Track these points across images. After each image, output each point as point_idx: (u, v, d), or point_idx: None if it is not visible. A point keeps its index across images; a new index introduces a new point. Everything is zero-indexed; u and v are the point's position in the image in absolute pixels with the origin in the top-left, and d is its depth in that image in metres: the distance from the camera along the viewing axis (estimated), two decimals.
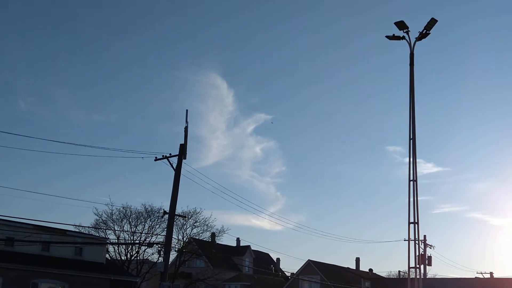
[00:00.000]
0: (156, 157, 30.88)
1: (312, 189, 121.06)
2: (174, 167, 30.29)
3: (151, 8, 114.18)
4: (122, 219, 54.81)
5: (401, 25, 23.55)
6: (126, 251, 54.18)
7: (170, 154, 30.50)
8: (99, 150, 54.43)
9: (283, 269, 78.22)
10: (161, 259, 40.70)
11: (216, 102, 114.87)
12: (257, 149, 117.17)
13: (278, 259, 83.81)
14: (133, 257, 54.11)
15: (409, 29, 23.76)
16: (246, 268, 75.29)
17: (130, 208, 54.98)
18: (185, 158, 30.37)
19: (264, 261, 77.42)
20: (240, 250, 77.27)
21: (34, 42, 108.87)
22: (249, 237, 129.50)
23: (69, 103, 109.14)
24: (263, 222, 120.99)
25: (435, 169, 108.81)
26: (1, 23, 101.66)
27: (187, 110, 30.93)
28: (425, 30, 23.46)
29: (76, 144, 32.52)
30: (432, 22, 23.04)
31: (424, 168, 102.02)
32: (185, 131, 30.54)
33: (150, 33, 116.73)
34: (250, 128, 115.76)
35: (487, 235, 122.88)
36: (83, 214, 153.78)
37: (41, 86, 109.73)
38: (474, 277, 60.56)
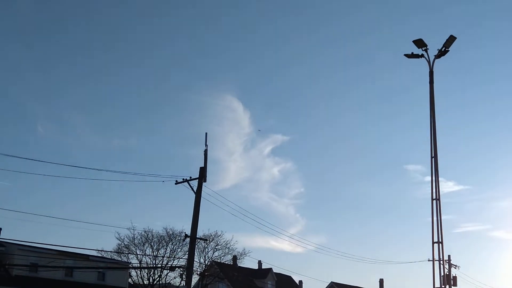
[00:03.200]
0: (176, 181, 30.95)
1: (331, 210, 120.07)
2: (195, 190, 30.32)
3: (165, 30, 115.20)
4: (144, 243, 54.78)
5: (419, 43, 23.51)
6: (148, 275, 54.07)
7: (190, 177, 30.56)
8: (119, 174, 54.58)
9: None
10: (183, 283, 40.59)
11: (232, 124, 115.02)
12: (275, 170, 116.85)
13: (300, 282, 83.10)
14: (155, 281, 53.98)
15: (427, 47, 23.69)
16: None
17: (151, 232, 54.96)
18: (205, 181, 30.41)
19: (286, 284, 76.80)
20: (262, 272, 76.75)
21: (51, 68, 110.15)
22: (270, 259, 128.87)
23: (86, 128, 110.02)
24: (283, 244, 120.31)
25: (456, 188, 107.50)
26: (19, 50, 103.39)
27: (206, 133, 31.01)
28: (444, 48, 23.39)
29: (96, 169, 32.80)
30: (451, 39, 22.97)
31: (445, 186, 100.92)
32: (204, 154, 30.62)
33: (163, 56, 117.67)
34: (267, 149, 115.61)
35: (511, 254, 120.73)
36: (105, 238, 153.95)
37: (59, 112, 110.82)
38: None
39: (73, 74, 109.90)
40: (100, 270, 40.54)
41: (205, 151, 30.59)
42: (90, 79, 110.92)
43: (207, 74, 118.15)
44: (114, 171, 35.11)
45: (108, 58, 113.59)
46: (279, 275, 77.02)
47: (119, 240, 54.19)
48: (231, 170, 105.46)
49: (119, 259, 52.38)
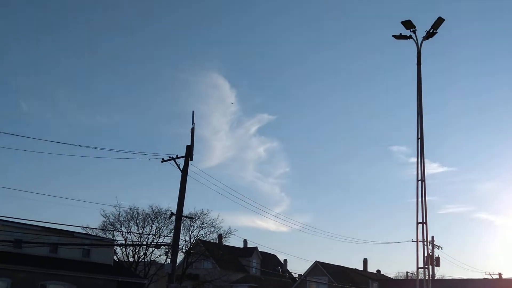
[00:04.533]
0: (163, 159, 30.89)
1: (316, 189, 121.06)
2: (181, 169, 30.28)
3: (151, 8, 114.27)
4: (129, 221, 54.95)
5: (408, 24, 23.37)
6: (134, 252, 54.25)
7: (177, 155, 30.50)
8: (106, 151, 54.41)
9: (290, 270, 78.12)
10: (168, 260, 40.79)
11: (218, 103, 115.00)
12: (261, 149, 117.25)
13: (285, 260, 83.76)
14: (140, 259, 54.16)
15: (416, 28, 23.56)
16: (254, 269, 75.20)
17: (137, 209, 55.12)
18: (191, 159, 30.37)
19: (271, 262, 77.32)
20: (247, 251, 77.21)
21: (35, 43, 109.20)
22: (256, 238, 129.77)
23: (71, 104, 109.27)
24: (268, 223, 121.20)
25: (441, 169, 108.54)
26: (2, 24, 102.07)
27: (193, 112, 30.89)
28: (432, 29, 23.27)
29: (81, 146, 32.55)
30: (440, 21, 22.86)
31: (430, 168, 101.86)
32: (191, 133, 30.54)
33: (151, 33, 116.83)
34: (254, 128, 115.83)
35: (493, 236, 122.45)
36: (91, 215, 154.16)
37: (42, 87, 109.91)
38: (482, 278, 60.28)
39: (58, 48, 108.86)
40: (85, 246, 40.48)
41: (192, 130, 30.51)
42: (75, 54, 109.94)
43: (193, 52, 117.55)
44: (100, 148, 34.97)
45: (93, 33, 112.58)
46: (264, 253, 77.51)
47: (104, 217, 54.30)
48: (217, 148, 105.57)
49: (104, 236, 52.42)
